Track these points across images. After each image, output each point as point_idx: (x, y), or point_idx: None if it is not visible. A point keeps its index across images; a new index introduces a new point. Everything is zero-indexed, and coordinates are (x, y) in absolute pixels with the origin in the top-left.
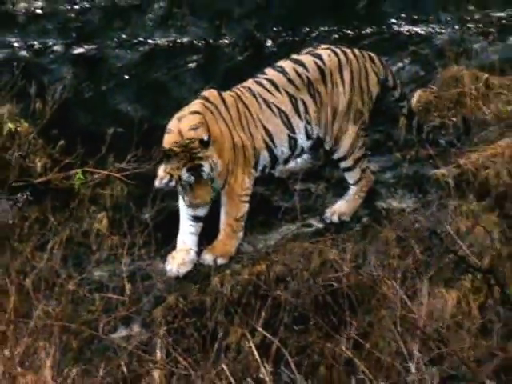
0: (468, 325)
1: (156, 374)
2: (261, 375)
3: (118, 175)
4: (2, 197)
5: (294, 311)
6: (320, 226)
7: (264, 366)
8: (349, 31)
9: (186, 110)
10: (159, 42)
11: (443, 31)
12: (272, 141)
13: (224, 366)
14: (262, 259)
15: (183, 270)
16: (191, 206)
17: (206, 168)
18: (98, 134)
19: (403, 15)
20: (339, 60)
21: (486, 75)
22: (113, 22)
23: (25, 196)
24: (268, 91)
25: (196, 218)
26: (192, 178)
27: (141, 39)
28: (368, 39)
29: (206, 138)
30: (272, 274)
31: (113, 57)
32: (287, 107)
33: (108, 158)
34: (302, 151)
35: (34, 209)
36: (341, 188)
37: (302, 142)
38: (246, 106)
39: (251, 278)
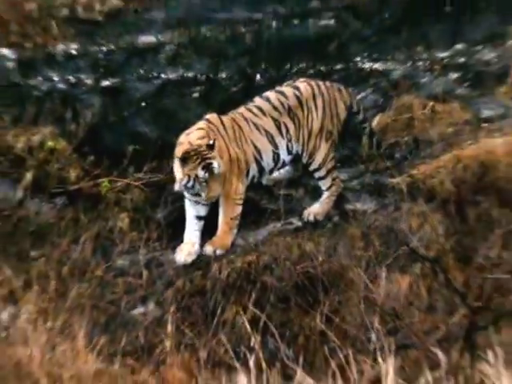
0: (418, 303)
1: (167, 343)
2: (251, 344)
3: (136, 183)
4: (43, 201)
5: (278, 293)
6: (299, 224)
7: (254, 337)
8: (322, 67)
9: (193, 128)
10: (170, 76)
11: (397, 68)
12: (260, 155)
13: (222, 337)
14: (252, 251)
15: (189, 259)
16: (208, 199)
17: (216, 164)
18: (121, 150)
19: (365, 54)
20: (313, 91)
21: (432, 103)
22: (132, 60)
23: (62, 200)
24: (256, 116)
25: (199, 218)
26: (206, 175)
27: (155, 74)
28: (337, 74)
29: (211, 142)
30: (260, 263)
31: (132, 88)
32: (272, 129)
33: (128, 170)
34: (284, 164)
35: (68, 210)
36: (316, 193)
37: (284, 156)
38: (240, 127)
39: (243, 266)
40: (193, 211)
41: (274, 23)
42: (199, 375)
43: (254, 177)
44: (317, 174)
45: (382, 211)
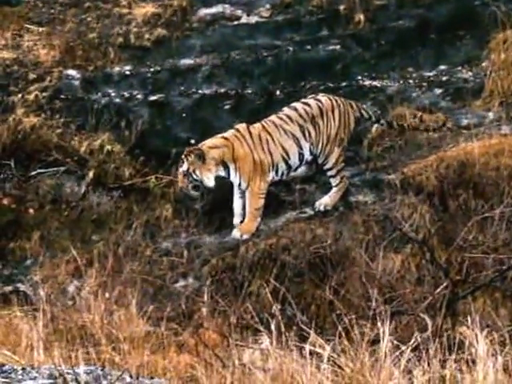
0: (409, 277)
1: (204, 310)
2: (273, 311)
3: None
4: (102, 194)
5: (294, 269)
6: (311, 213)
7: (275, 305)
8: (330, 84)
9: (219, 135)
10: (205, 92)
11: (392, 84)
12: (287, 155)
13: (249, 305)
14: (273, 235)
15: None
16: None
17: (195, 176)
18: (166, 152)
19: (366, 74)
20: (332, 103)
21: (421, 113)
22: (175, 78)
23: (117, 193)
24: (286, 123)
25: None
26: (185, 180)
27: (193, 90)
28: (343, 90)
29: (199, 152)
30: (280, 245)
31: (175, 102)
32: (298, 133)
33: (172, 168)
34: (306, 162)
35: (123, 202)
36: (325, 188)
37: (307, 156)
38: (269, 133)
39: (266, 248)
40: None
41: (290, 48)
42: (230, 337)
43: (283, 173)
44: (329, 173)
45: (379, 202)
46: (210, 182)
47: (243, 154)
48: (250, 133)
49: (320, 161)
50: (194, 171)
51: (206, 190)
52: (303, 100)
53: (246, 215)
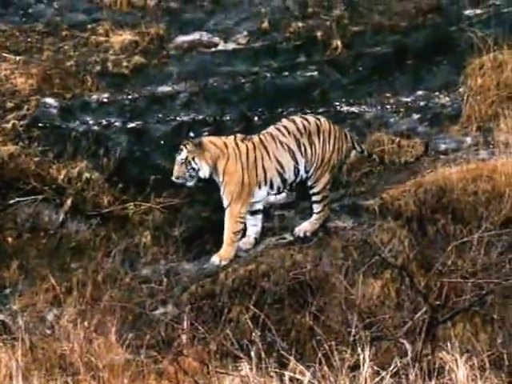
0: (388, 302)
1: (184, 337)
2: (253, 338)
3: (157, 206)
4: (81, 222)
5: (273, 295)
6: (291, 238)
7: (255, 332)
8: (308, 110)
9: (221, 139)
10: (184, 119)
11: (370, 110)
12: (283, 169)
13: (228, 332)
14: (252, 261)
15: (244, 247)
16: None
17: (186, 157)
18: (144, 180)
19: (343, 100)
20: (330, 126)
21: (398, 139)
22: (153, 105)
23: (96, 221)
24: (283, 135)
25: (252, 212)
26: (183, 165)
27: (171, 117)
28: (321, 116)
29: (197, 141)
30: (259, 271)
31: (153, 129)
32: (294, 146)
33: (150, 195)
34: (301, 180)
35: (102, 229)
36: (304, 214)
37: (302, 172)
38: (265, 147)
39: (245, 274)
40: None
41: (268, 74)
42: (210, 364)
43: (278, 188)
44: (314, 197)
45: (358, 228)
46: (205, 172)
47: (233, 171)
48: (247, 149)
49: (309, 183)
50: (193, 159)
51: (186, 218)
52: (302, 115)
53: (225, 240)
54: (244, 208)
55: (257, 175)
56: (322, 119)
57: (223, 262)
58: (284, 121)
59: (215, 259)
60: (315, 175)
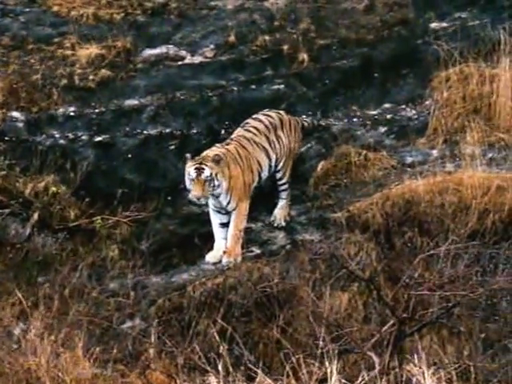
0: (356, 315)
1: (151, 351)
2: (220, 351)
3: (124, 220)
4: (48, 236)
5: (241, 308)
6: (258, 251)
7: (222, 345)
8: None
9: (219, 147)
10: (151, 132)
11: (337, 123)
12: (261, 168)
13: (196, 345)
14: (220, 274)
15: (212, 260)
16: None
17: (207, 172)
18: (111, 193)
19: (310, 113)
20: (289, 118)
21: (365, 151)
22: (120, 119)
23: (63, 235)
24: (255, 135)
25: (222, 225)
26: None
27: (138, 131)
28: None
29: (216, 156)
30: (227, 284)
31: (120, 142)
32: (266, 144)
33: (118, 209)
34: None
35: (69, 243)
36: (272, 227)
37: (273, 167)
38: (247, 150)
39: (213, 287)
40: (217, 219)
41: (235, 88)
42: (178, 378)
43: (255, 186)
44: (282, 187)
45: (325, 240)
46: (223, 187)
47: (236, 174)
48: (239, 153)
49: (279, 175)
50: (216, 175)
51: (153, 232)
52: (264, 111)
53: (229, 238)
54: (248, 205)
55: (252, 174)
56: (282, 112)
57: (238, 259)
58: (250, 121)
59: (227, 259)
60: (284, 165)
